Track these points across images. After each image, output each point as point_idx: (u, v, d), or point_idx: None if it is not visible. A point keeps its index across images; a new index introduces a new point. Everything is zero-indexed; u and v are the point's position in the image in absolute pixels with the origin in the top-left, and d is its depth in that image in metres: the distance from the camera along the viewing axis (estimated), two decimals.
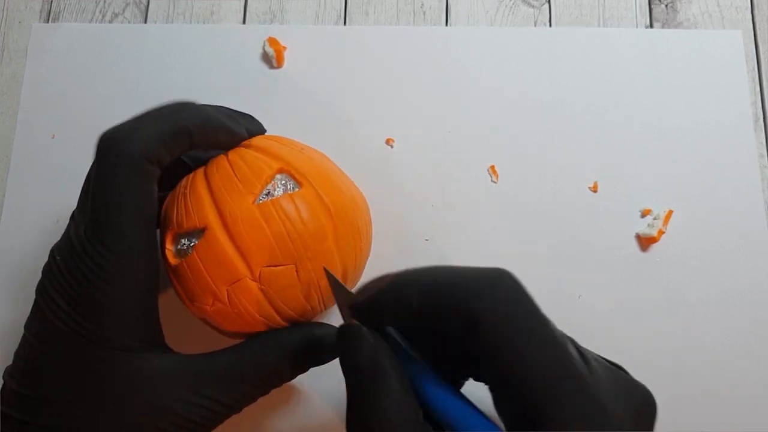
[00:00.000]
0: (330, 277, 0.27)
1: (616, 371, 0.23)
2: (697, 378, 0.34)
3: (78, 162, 0.38)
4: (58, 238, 0.37)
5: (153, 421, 0.25)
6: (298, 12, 0.41)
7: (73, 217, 0.28)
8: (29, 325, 0.27)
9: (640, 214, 0.37)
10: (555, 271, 0.36)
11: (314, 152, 0.32)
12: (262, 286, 0.27)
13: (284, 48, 0.40)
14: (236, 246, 0.27)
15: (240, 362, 0.27)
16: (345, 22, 0.41)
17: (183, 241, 0.28)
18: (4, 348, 0.36)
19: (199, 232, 0.28)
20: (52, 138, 0.39)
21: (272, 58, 0.40)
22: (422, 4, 0.41)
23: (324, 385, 0.34)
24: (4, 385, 0.27)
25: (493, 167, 0.38)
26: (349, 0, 0.42)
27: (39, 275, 0.36)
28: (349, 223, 0.29)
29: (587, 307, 0.35)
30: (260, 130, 0.32)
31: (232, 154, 0.30)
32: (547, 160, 0.38)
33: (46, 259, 0.37)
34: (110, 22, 0.42)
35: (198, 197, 0.28)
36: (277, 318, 0.28)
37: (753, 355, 0.35)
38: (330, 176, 0.30)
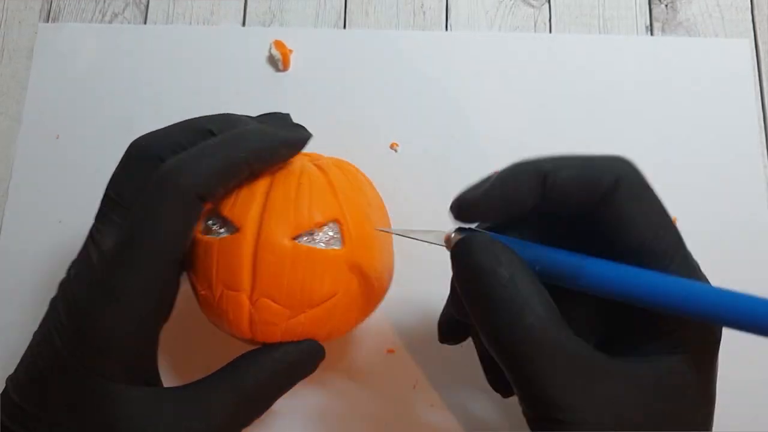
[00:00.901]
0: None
1: None
2: None
3: (81, 163, 0.39)
4: (60, 239, 0.38)
5: None
6: (298, 12, 0.41)
7: (92, 234, 0.27)
8: (35, 334, 0.27)
9: None
10: None
11: (376, 207, 0.31)
12: (253, 310, 0.27)
13: (290, 51, 0.40)
14: (254, 264, 0.27)
15: (223, 391, 0.26)
16: (345, 23, 0.41)
17: (215, 220, 0.28)
18: (4, 348, 0.36)
19: (233, 227, 0.27)
20: (56, 138, 0.39)
21: (278, 61, 0.40)
22: (422, 4, 0.41)
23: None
24: (5, 390, 0.27)
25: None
26: (349, 0, 0.42)
27: (41, 276, 0.37)
28: (363, 298, 0.29)
29: None
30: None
31: (305, 177, 0.29)
32: None
33: (48, 259, 0.37)
34: (110, 22, 0.42)
35: (251, 198, 0.28)
36: (248, 338, 0.28)
37: (756, 361, 0.35)
38: (374, 245, 0.29)
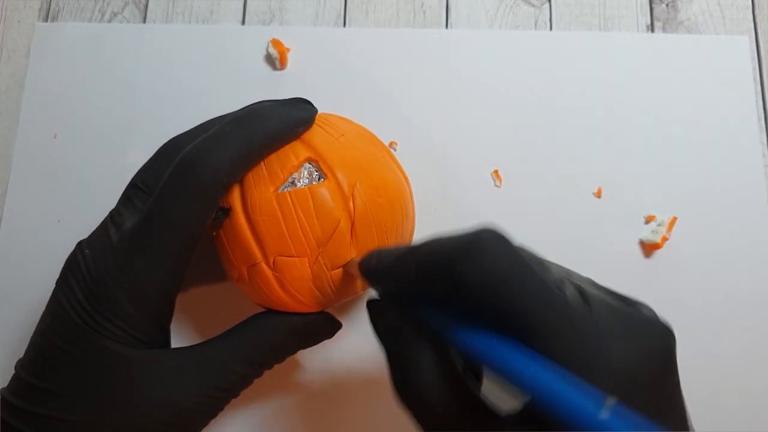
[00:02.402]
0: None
1: (629, 311, 0.22)
2: (699, 384, 0.34)
3: (80, 162, 0.39)
4: (59, 238, 0.37)
5: (162, 416, 0.26)
6: (298, 11, 0.41)
7: (111, 216, 0.28)
8: (44, 317, 0.28)
9: (643, 220, 0.37)
10: None
11: (355, 138, 0.32)
12: (276, 273, 0.28)
13: (288, 50, 0.40)
14: (253, 232, 0.28)
15: (236, 348, 0.28)
16: (345, 22, 0.41)
17: (217, 212, 0.29)
18: (4, 347, 0.36)
19: (227, 210, 0.29)
20: (54, 138, 0.39)
21: (276, 60, 0.39)
22: (422, 4, 0.41)
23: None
24: (14, 375, 0.27)
25: (496, 171, 0.38)
26: None
27: (40, 275, 0.37)
28: (373, 218, 0.29)
29: None
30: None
31: None
32: (551, 165, 0.38)
33: (47, 259, 0.37)
34: (109, 21, 0.41)
35: None
36: (290, 303, 0.29)
37: (756, 361, 0.35)
38: (364, 167, 0.30)
